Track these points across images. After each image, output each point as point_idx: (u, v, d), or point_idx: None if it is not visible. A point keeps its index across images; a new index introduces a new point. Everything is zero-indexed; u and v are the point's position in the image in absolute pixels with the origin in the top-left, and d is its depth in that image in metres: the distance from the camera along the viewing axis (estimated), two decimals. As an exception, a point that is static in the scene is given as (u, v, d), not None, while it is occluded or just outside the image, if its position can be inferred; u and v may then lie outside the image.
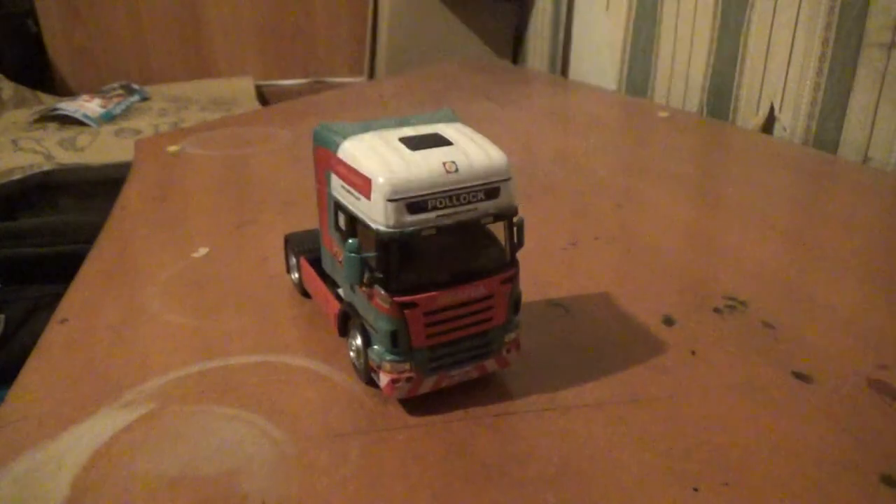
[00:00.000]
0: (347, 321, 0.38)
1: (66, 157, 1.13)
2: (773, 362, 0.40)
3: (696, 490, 0.31)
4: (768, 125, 0.92)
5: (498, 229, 0.35)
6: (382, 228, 0.32)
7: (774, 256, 0.54)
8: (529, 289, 0.46)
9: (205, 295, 0.49)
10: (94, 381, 0.39)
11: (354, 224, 0.35)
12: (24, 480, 0.32)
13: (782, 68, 0.88)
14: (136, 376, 0.39)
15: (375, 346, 0.35)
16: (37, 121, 1.28)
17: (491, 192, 0.34)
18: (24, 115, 1.34)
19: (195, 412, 0.36)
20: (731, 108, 0.98)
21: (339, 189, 0.36)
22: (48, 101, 1.48)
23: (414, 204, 0.32)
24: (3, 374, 0.46)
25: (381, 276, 0.33)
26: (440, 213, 0.33)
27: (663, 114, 0.98)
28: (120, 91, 1.45)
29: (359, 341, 0.36)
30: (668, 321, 0.44)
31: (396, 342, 0.34)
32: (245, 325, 0.45)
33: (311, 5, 1.75)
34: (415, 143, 0.34)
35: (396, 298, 0.33)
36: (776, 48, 0.89)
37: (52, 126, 1.26)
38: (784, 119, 0.89)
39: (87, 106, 1.31)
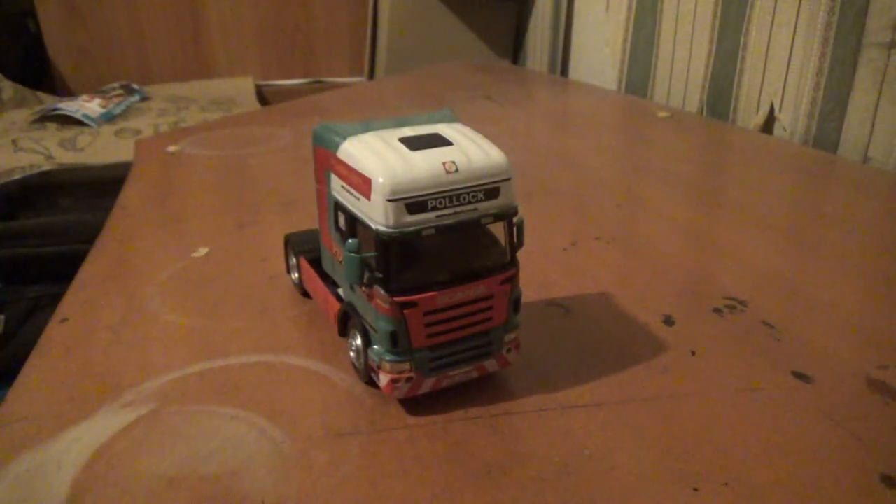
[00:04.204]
0: (347, 321, 0.38)
1: (66, 157, 1.13)
2: (773, 362, 0.40)
3: (696, 490, 0.31)
4: (768, 125, 0.92)
5: (498, 229, 0.35)
6: (382, 228, 0.32)
7: (774, 256, 0.54)
8: (529, 289, 0.46)
9: (205, 295, 0.49)
10: (94, 381, 0.39)
11: (354, 224, 0.35)
12: (24, 480, 0.32)
13: (782, 68, 0.88)
14: (136, 376, 0.39)
15: (375, 346, 0.35)
16: (37, 121, 1.28)
17: (491, 192, 0.34)
18: (24, 115, 1.34)
19: (195, 412, 0.36)
20: (731, 108, 0.98)
21: (339, 189, 0.36)
22: (48, 101, 1.48)
23: (414, 204, 0.32)
24: (3, 374, 0.47)
25: (381, 276, 0.33)
26: (440, 213, 0.33)
27: (663, 114, 0.98)
28: (120, 91, 1.45)
29: (359, 341, 0.36)
30: (668, 321, 0.44)
31: (396, 342, 0.34)
32: (245, 325, 0.45)
33: (311, 5, 1.75)
34: (415, 143, 0.34)
35: (396, 298, 0.33)
36: (776, 48, 0.89)
37: (52, 126, 1.26)
38: (784, 119, 0.89)
39: (87, 106, 1.31)
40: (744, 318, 0.45)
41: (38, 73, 1.63)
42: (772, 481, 0.31)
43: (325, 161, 0.38)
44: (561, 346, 0.42)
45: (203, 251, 0.56)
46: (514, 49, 1.63)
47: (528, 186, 0.69)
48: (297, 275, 0.47)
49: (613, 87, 1.23)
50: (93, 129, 1.25)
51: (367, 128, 0.37)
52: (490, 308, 0.35)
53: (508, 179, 0.34)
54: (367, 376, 0.37)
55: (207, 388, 0.38)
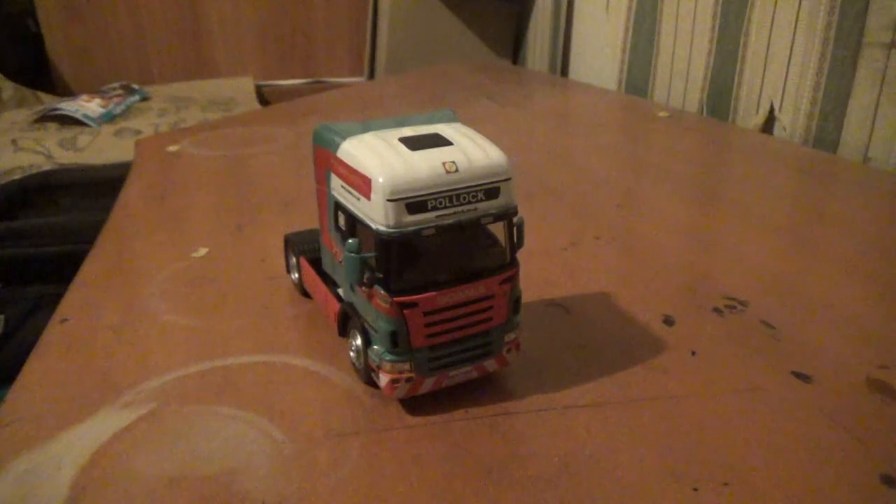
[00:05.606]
0: (347, 321, 0.38)
1: (66, 157, 1.13)
2: (773, 362, 0.40)
3: (695, 490, 0.31)
4: (768, 125, 0.92)
5: (498, 229, 0.35)
6: (382, 228, 0.32)
7: (774, 256, 0.54)
8: (529, 289, 0.45)
9: (205, 295, 0.49)
10: (94, 381, 0.39)
11: (354, 224, 0.35)
12: (24, 480, 0.32)
13: (782, 68, 0.88)
14: (136, 376, 0.39)
15: (375, 346, 0.35)
16: (37, 121, 1.28)
17: (491, 192, 0.34)
18: (24, 115, 1.34)
19: (195, 412, 0.36)
20: (731, 107, 0.98)
21: (339, 189, 0.36)
22: (48, 101, 1.48)
23: (414, 204, 0.32)
24: (3, 374, 0.47)
25: (380, 276, 0.33)
26: (440, 213, 0.33)
27: (663, 114, 0.98)
28: (120, 91, 1.45)
29: (359, 341, 0.36)
30: (668, 321, 0.44)
31: (396, 342, 0.34)
32: (245, 325, 0.45)
33: (311, 5, 1.75)
34: (415, 143, 0.34)
35: (396, 298, 0.33)
36: (776, 48, 0.89)
37: (52, 126, 1.26)
38: (784, 119, 0.89)
39: (87, 106, 1.31)
40: (744, 318, 0.45)
41: (38, 73, 1.63)
42: (772, 481, 0.31)
43: (325, 161, 0.38)
44: (561, 346, 0.42)
45: (203, 251, 0.56)
46: (514, 49, 1.63)
47: (528, 186, 0.69)
48: (297, 275, 0.47)
49: (613, 87, 1.23)
50: (93, 129, 1.25)
51: (367, 128, 0.37)
52: (490, 308, 0.35)
53: (508, 179, 0.34)
54: (367, 376, 0.37)
55: (207, 388, 0.38)
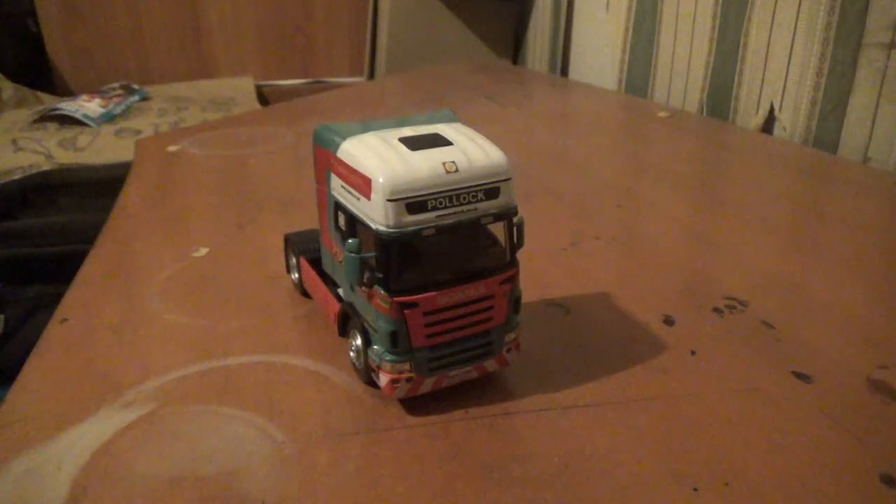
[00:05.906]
0: (347, 321, 0.38)
1: (66, 157, 1.13)
2: (773, 362, 0.40)
3: (695, 490, 0.31)
4: (768, 125, 0.92)
5: (498, 229, 0.35)
6: (382, 228, 0.32)
7: (774, 256, 0.54)
8: (529, 289, 0.45)
9: (205, 295, 0.49)
10: (94, 381, 0.39)
11: (354, 224, 0.35)
12: (24, 480, 0.32)
13: (782, 68, 0.88)
14: (136, 376, 0.39)
15: (375, 346, 0.35)
16: (37, 121, 1.28)
17: (491, 192, 0.34)
18: (24, 115, 1.34)
19: (195, 412, 0.36)
20: (731, 107, 0.98)
21: (339, 189, 0.36)
22: (48, 101, 1.48)
23: (414, 204, 0.32)
24: (3, 374, 0.47)
25: (380, 276, 0.33)
26: (440, 213, 0.33)
27: (663, 114, 0.98)
28: (120, 91, 1.45)
29: (359, 341, 0.36)
30: (668, 321, 0.44)
31: (396, 342, 0.34)
32: (245, 325, 0.45)
33: (311, 5, 1.75)
34: (415, 143, 0.34)
35: (396, 299, 0.33)
36: (776, 48, 0.89)
37: (52, 126, 1.26)
38: (784, 119, 0.89)
39: (87, 106, 1.31)
40: (744, 318, 0.45)
41: (38, 73, 1.63)
42: (772, 481, 0.31)
43: (325, 161, 0.38)
44: (561, 346, 0.42)
45: (203, 251, 0.56)
46: (514, 49, 1.63)
47: (528, 187, 0.69)
48: (297, 275, 0.47)
49: (613, 87, 1.23)
50: (93, 129, 1.25)
51: (367, 128, 0.37)
52: (490, 308, 0.35)
53: (508, 179, 0.34)
54: (367, 376, 0.37)
55: (207, 388, 0.38)
